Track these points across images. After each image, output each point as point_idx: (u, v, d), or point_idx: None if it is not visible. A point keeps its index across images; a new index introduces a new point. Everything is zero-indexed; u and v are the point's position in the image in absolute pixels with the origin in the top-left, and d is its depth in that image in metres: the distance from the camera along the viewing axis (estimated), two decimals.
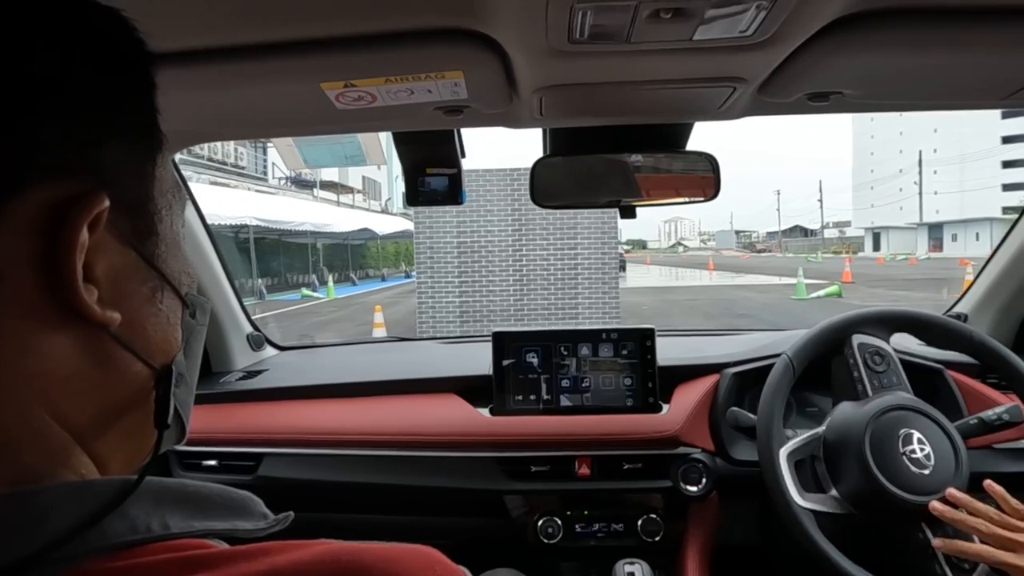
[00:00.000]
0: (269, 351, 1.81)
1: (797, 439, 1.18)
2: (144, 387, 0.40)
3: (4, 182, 0.33)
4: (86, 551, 0.32)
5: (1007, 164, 53.89)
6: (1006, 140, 55.03)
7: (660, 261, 52.15)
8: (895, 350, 1.41)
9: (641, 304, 14.23)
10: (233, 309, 1.65)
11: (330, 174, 32.95)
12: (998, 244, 1.56)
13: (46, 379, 0.35)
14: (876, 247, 69.86)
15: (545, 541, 1.36)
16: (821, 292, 15.43)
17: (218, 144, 24.21)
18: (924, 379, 1.36)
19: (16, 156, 0.33)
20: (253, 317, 1.74)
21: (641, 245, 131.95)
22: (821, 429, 1.18)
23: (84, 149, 0.36)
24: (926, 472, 1.06)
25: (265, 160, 29.93)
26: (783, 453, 1.15)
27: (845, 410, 1.17)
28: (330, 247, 26.31)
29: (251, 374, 1.61)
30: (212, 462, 1.40)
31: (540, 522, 1.36)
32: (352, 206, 32.54)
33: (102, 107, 0.37)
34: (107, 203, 0.36)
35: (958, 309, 1.64)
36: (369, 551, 0.36)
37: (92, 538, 0.32)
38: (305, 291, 19.36)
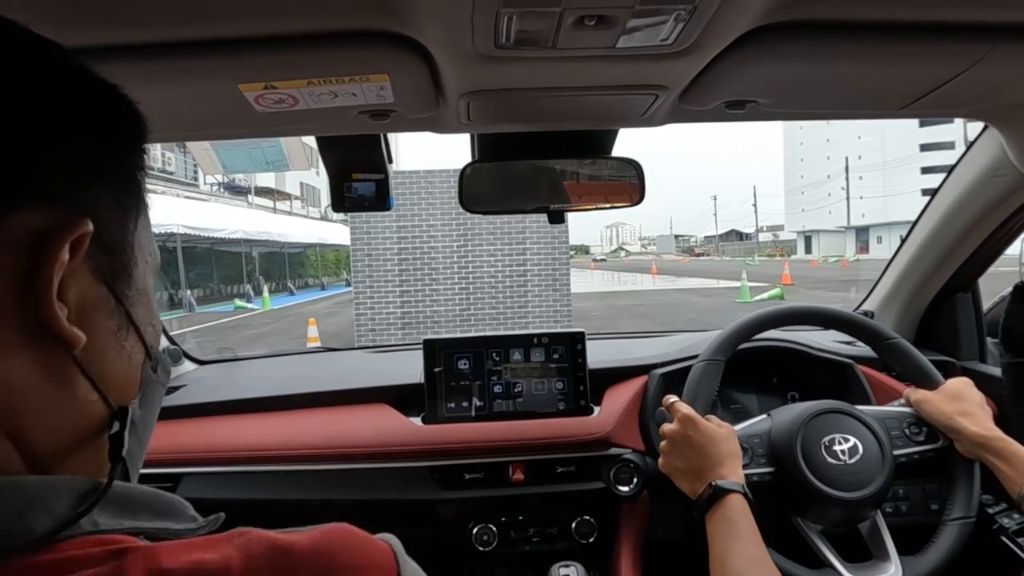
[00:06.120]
0: (188, 366, 1.73)
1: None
2: (99, 425, 0.41)
3: (3, 201, 0.36)
4: (10, 547, 0.33)
5: (925, 170, 56.94)
6: (924, 147, 58.44)
7: (604, 266, 52.92)
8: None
9: (589, 310, 14.36)
10: None
11: (266, 180, 31.82)
12: (899, 245, 1.65)
13: (6, 391, 0.36)
14: (808, 250, 72.95)
15: (480, 549, 1.35)
16: (764, 295, 15.86)
17: None
18: (836, 372, 1.48)
19: (15, 181, 0.36)
20: (182, 331, 1.67)
21: (584, 250, 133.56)
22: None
23: (75, 185, 0.39)
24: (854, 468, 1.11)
25: (196, 165, 28.89)
26: None
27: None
28: (266, 255, 25.62)
29: (168, 390, 1.52)
30: None
31: (475, 530, 1.35)
32: (290, 212, 31.76)
33: (97, 156, 0.41)
34: (90, 227, 0.38)
35: (865, 307, 1.74)
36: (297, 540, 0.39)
37: (17, 534, 0.33)
38: (238, 302, 18.73)
